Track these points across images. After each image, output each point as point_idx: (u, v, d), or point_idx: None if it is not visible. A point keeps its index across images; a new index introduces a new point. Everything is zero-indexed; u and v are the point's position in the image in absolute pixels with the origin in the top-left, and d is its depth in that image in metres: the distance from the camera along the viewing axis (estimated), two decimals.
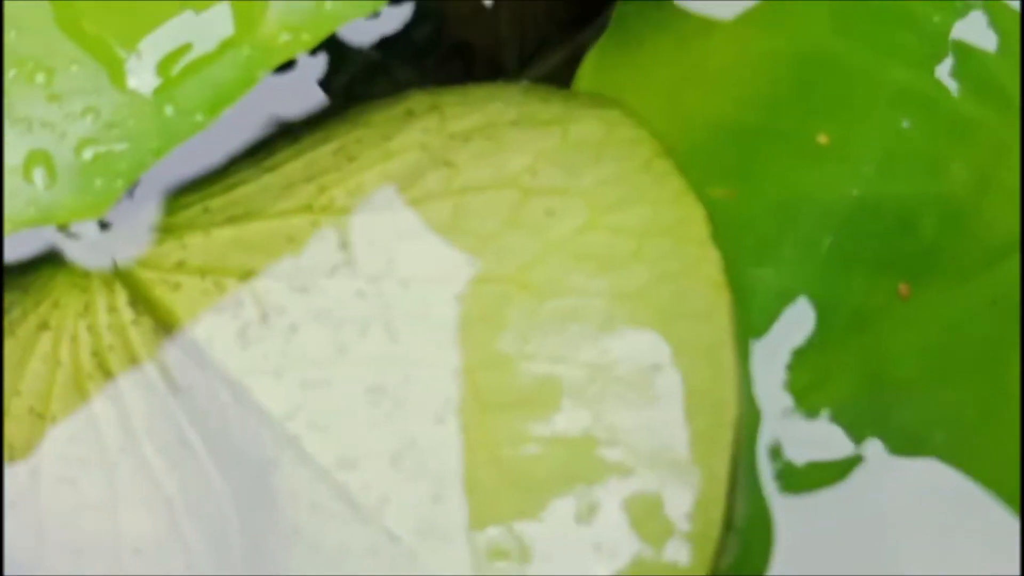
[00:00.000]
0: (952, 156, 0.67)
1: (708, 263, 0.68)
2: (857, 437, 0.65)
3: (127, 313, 0.68)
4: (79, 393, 0.69)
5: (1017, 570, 0.56)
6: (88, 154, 0.67)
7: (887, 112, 0.68)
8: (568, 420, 0.64)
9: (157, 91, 0.67)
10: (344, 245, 0.67)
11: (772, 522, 0.65)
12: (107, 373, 0.69)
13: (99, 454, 0.68)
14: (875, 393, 0.65)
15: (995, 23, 0.68)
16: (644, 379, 0.65)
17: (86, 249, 0.70)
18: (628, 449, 0.64)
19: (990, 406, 0.65)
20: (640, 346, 0.65)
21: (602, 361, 0.65)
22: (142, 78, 0.67)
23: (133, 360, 0.68)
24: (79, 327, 0.69)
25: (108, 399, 0.68)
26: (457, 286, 0.66)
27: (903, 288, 0.66)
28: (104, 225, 0.70)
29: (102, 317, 0.69)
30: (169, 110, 0.67)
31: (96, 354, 0.69)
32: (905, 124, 0.68)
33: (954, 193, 0.67)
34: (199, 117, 0.66)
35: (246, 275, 0.68)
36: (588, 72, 0.72)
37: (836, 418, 0.65)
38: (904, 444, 0.66)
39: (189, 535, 0.67)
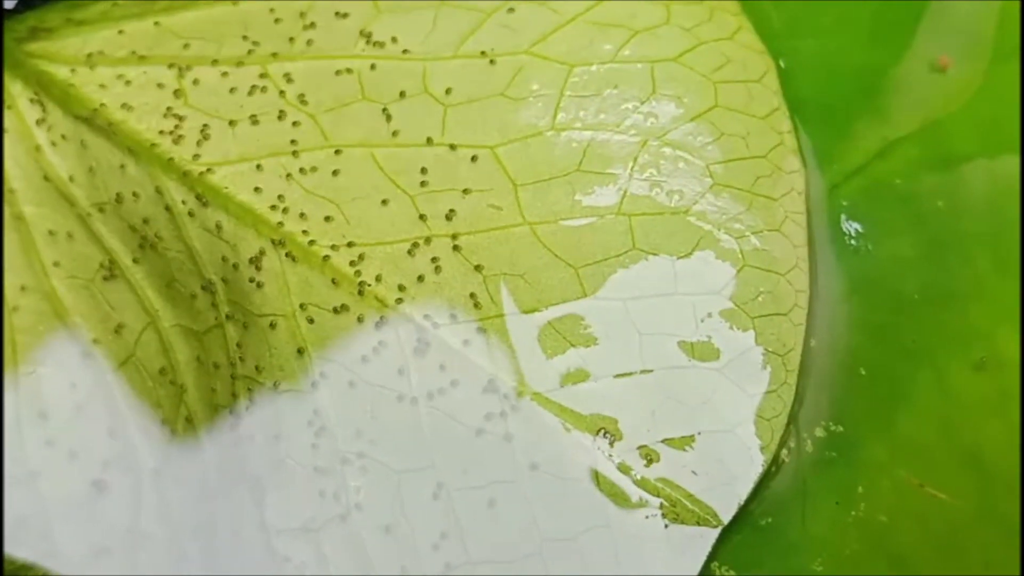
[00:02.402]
0: None
1: (745, 31, 0.60)
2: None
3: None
4: None
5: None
6: None
7: None
8: (619, 189, 0.54)
9: None
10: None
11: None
12: None
13: None
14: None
15: None
16: (700, 146, 0.55)
17: None
18: (699, 216, 0.54)
19: None
20: (690, 111, 0.56)
21: (650, 126, 0.55)
22: None
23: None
24: None
25: None
26: (459, 62, 0.56)
27: (943, 59, 0.60)
28: None
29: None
30: None
31: None
32: None
33: None
34: None
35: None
36: None
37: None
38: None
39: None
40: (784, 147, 0.58)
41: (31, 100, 0.59)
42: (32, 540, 0.56)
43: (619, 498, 0.51)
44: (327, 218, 0.55)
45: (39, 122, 0.59)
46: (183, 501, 0.56)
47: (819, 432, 0.54)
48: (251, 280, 0.55)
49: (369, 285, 0.54)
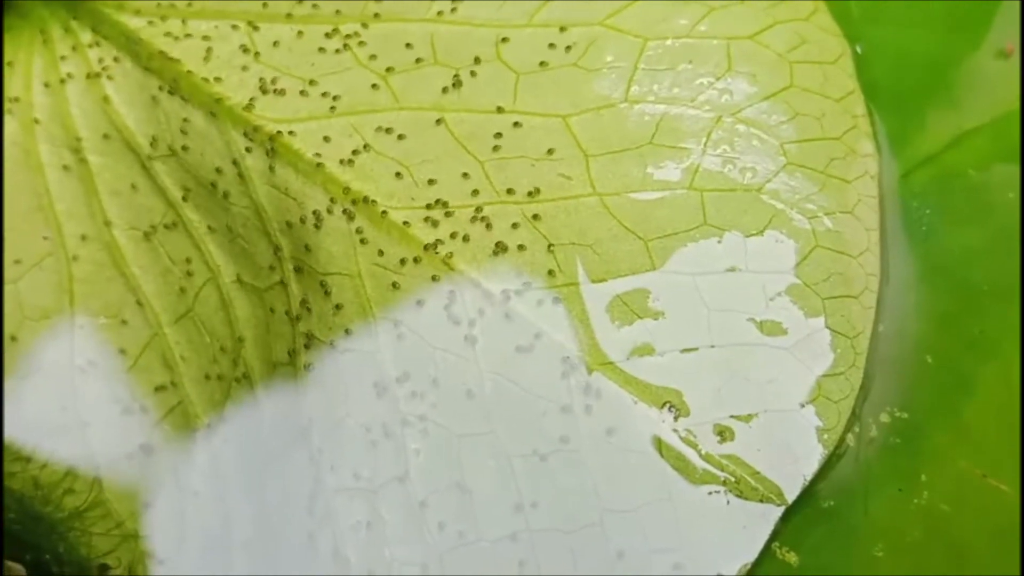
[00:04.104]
0: None
1: (821, 12, 0.59)
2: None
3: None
4: None
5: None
6: None
7: None
8: (692, 164, 0.53)
9: None
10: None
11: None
12: None
13: None
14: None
15: None
16: (774, 125, 0.55)
17: None
18: (772, 195, 0.53)
19: None
20: (765, 90, 0.56)
21: (724, 102, 0.55)
22: None
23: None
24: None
25: None
26: (532, 30, 0.56)
27: (1009, 45, 0.59)
28: None
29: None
30: None
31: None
32: None
33: None
34: None
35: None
36: None
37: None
38: None
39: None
40: (858, 130, 0.57)
41: (100, 49, 0.59)
42: (79, 489, 0.56)
43: (683, 472, 0.50)
44: (395, 179, 0.55)
45: (107, 72, 0.59)
46: (235, 458, 0.56)
47: (884, 418, 0.53)
48: (317, 238, 0.54)
49: (435, 248, 0.53)
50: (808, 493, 0.51)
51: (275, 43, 0.58)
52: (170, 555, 0.55)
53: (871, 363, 0.53)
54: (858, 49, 0.60)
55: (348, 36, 0.58)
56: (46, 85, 0.59)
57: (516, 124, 0.55)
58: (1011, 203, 0.57)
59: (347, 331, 0.53)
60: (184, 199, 0.58)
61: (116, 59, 0.59)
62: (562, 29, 0.58)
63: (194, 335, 0.58)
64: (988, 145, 0.59)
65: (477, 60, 0.57)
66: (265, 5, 0.59)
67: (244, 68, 0.57)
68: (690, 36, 0.58)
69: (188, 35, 0.59)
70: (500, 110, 0.56)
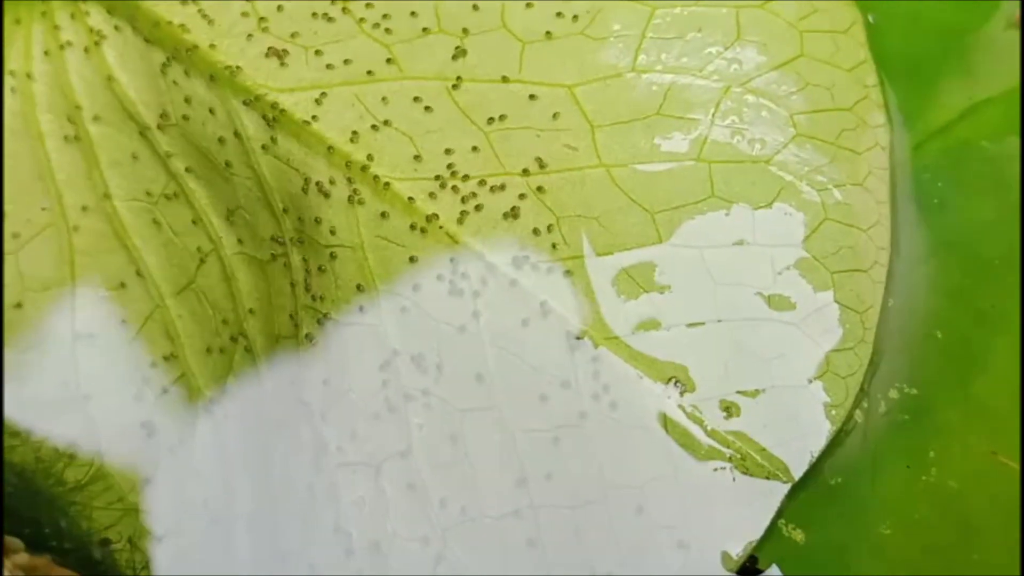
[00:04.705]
0: None
1: None
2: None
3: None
4: None
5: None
6: None
7: None
8: (700, 135, 0.52)
9: None
10: None
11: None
12: None
13: None
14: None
15: None
16: (784, 95, 0.54)
17: None
18: (781, 166, 0.52)
19: None
20: (775, 59, 0.55)
21: (733, 72, 0.54)
22: None
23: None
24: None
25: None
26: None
27: (1018, 16, 0.58)
28: None
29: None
30: None
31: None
32: None
33: None
34: None
35: None
36: None
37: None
38: None
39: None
40: (870, 101, 0.56)
41: (100, 17, 0.58)
42: (81, 462, 0.56)
43: (688, 448, 0.50)
44: (399, 150, 0.54)
45: (108, 40, 0.58)
46: (237, 432, 0.55)
47: (893, 394, 0.53)
48: (319, 209, 0.53)
49: (439, 220, 0.52)
50: (815, 470, 0.50)
51: (278, 8, 0.57)
52: (171, 529, 0.55)
53: (880, 338, 0.52)
54: (870, 18, 0.59)
55: (353, 6, 0.57)
56: (46, 53, 0.59)
57: (520, 93, 0.54)
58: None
59: (349, 304, 0.53)
60: (186, 170, 0.57)
61: (117, 27, 0.58)
62: None
63: (196, 307, 0.57)
64: (1001, 116, 0.58)
65: (480, 29, 0.56)
66: None
67: (246, 36, 0.57)
68: (699, 4, 0.57)
69: (189, 2, 0.58)
70: (505, 79, 0.55)
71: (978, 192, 0.56)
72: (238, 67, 0.55)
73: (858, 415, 0.52)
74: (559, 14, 0.56)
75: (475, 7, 0.57)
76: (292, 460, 0.53)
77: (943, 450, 0.52)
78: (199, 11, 0.57)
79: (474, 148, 0.54)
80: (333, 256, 0.53)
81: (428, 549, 0.50)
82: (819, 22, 0.57)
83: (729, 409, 0.50)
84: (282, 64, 0.55)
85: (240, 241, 0.57)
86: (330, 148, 0.54)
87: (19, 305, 0.57)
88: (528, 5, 0.56)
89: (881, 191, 0.54)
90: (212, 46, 0.56)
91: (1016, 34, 0.59)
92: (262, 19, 0.56)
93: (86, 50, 0.58)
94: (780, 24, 0.57)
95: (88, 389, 0.57)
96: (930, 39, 0.60)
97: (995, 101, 0.58)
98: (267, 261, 0.56)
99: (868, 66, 0.57)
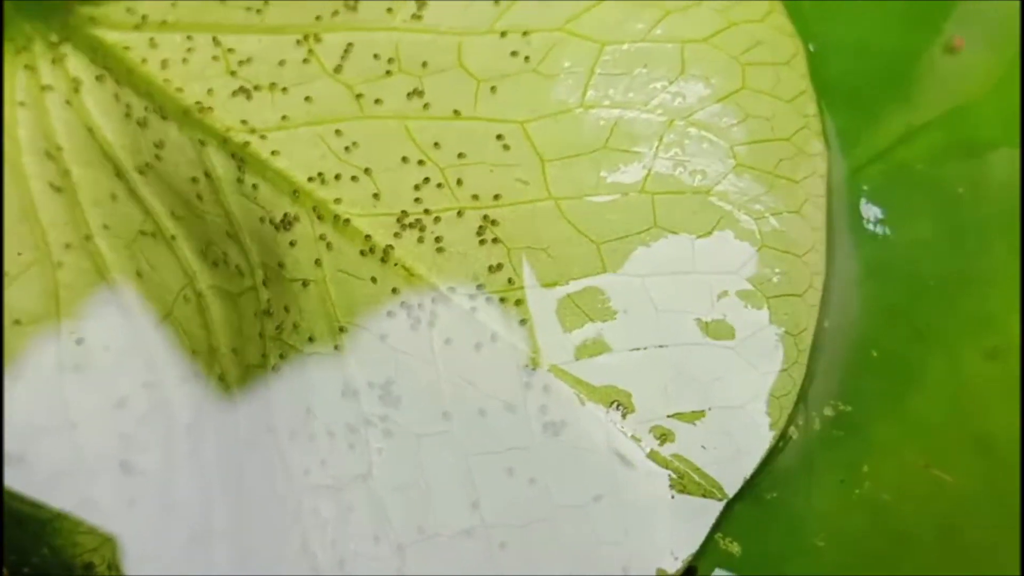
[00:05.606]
0: None
1: (777, 13, 0.61)
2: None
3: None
4: None
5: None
6: None
7: None
8: (644, 167, 0.55)
9: None
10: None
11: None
12: None
13: None
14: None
15: None
16: (725, 127, 0.57)
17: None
18: (720, 196, 0.55)
19: None
20: (717, 92, 0.57)
21: (677, 106, 0.57)
22: None
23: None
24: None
25: None
26: (493, 37, 0.58)
27: (958, 40, 0.60)
28: None
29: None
30: None
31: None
32: None
33: None
34: None
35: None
36: None
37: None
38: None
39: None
40: (808, 130, 0.59)
41: (79, 62, 0.61)
42: (68, 490, 0.59)
43: (630, 468, 0.53)
44: (359, 187, 0.57)
45: (85, 84, 0.61)
46: (214, 455, 0.58)
47: (828, 411, 0.55)
48: (284, 245, 0.57)
49: (398, 254, 0.55)
50: (751, 485, 0.53)
51: (247, 55, 0.60)
52: (152, 550, 0.58)
53: (815, 359, 0.55)
54: (811, 47, 0.61)
55: (316, 45, 0.60)
56: (27, 98, 0.62)
57: (475, 130, 0.57)
58: (961, 198, 0.59)
59: (312, 336, 0.56)
60: (161, 208, 0.61)
61: (98, 77, 0.61)
62: (524, 34, 0.59)
63: (174, 338, 0.61)
64: (940, 140, 0.60)
65: (437, 68, 0.59)
66: (231, 14, 0.61)
67: (215, 78, 0.60)
68: (645, 40, 0.59)
69: (161, 47, 0.61)
70: (458, 114, 0.58)
71: (915, 214, 0.59)
72: (206, 109, 0.58)
73: (793, 431, 0.55)
74: (514, 53, 0.59)
75: (433, 46, 0.59)
76: (263, 482, 0.56)
77: (877, 464, 0.55)
78: (170, 56, 0.60)
79: (431, 184, 0.57)
80: (297, 290, 0.56)
81: (388, 566, 0.53)
82: (761, 55, 0.60)
83: (667, 431, 0.53)
84: (249, 105, 0.58)
85: (213, 275, 0.60)
86: (293, 185, 0.57)
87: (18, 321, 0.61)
88: (483, 43, 0.59)
89: (817, 218, 0.57)
90: (181, 89, 0.59)
91: (953, 59, 0.61)
92: (229, 63, 0.59)
93: (68, 102, 0.61)
94: (723, 58, 0.59)
95: (74, 417, 0.60)
96: (870, 65, 0.62)
97: (932, 125, 0.60)
98: (239, 294, 0.59)
99: (808, 96, 0.60)
